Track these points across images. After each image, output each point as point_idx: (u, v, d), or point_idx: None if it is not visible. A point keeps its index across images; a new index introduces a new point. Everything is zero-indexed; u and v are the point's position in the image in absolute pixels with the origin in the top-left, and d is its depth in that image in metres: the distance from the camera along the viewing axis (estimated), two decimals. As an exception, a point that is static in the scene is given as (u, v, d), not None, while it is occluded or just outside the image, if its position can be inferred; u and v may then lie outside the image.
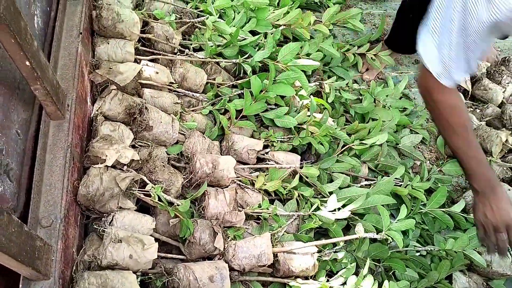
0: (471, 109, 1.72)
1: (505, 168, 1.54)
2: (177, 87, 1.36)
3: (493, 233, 1.18)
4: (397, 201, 1.39)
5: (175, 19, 1.48)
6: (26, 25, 0.81)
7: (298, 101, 1.54)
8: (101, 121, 1.13)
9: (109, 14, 1.26)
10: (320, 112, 1.56)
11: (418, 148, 1.67)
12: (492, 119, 1.66)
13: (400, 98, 1.77)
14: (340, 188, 1.35)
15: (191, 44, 1.48)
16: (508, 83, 1.76)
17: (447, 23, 0.94)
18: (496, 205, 1.17)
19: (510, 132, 1.56)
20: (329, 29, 1.85)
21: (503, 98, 1.72)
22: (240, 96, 1.43)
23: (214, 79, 1.45)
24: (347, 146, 1.47)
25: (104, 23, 1.26)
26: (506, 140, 1.56)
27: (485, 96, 1.73)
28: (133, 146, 1.16)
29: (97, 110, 1.15)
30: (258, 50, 1.54)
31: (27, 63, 0.81)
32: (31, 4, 1.06)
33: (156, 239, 1.01)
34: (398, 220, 1.22)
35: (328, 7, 1.95)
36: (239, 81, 1.43)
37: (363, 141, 1.45)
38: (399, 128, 1.66)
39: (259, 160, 1.36)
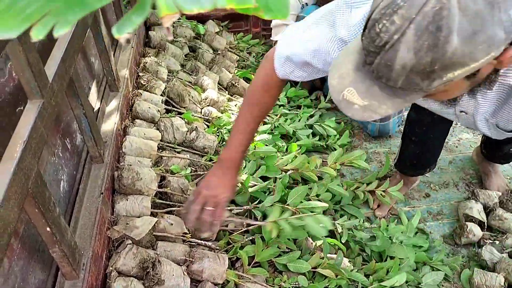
0: (490, 241, 1.67)
1: (540, 305, 1.43)
2: (191, 237, 1.41)
3: (201, 202, 1.18)
4: None
5: (190, 172, 1.60)
6: (50, 194, 0.91)
7: (311, 243, 1.55)
8: (115, 278, 1.15)
9: (130, 173, 1.38)
10: (335, 253, 1.55)
11: (442, 286, 1.58)
12: (514, 251, 1.61)
13: (416, 233, 1.75)
14: (362, 337, 1.27)
15: (204, 194, 1.57)
16: (523, 211, 1.74)
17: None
18: (222, 181, 1.21)
19: (536, 264, 1.49)
20: (337, 169, 1.95)
21: (522, 227, 1.69)
22: (253, 241, 1.46)
23: (226, 226, 1.50)
24: (366, 288, 1.42)
25: (125, 182, 1.37)
26: (534, 273, 1.48)
27: (502, 227, 1.70)
28: (144, 302, 1.16)
29: (111, 266, 1.18)
30: (268, 195, 1.61)
31: (48, 229, 0.89)
32: (58, 171, 1.19)
33: None
34: None
35: (334, 149, 2.09)
36: (250, 227, 1.47)
37: (381, 283, 1.41)
38: (419, 266, 1.61)
39: (274, 309, 1.32)
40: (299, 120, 2.22)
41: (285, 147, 2.02)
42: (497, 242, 1.67)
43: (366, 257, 1.63)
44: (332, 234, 1.65)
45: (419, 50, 0.63)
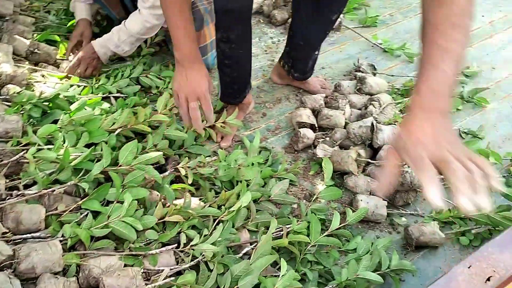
0: (322, 139, 1.81)
1: (369, 180, 1.61)
2: (13, 235, 1.22)
3: (184, 102, 1.38)
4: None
5: (-4, 164, 1.36)
6: None
7: (157, 194, 1.48)
8: None
9: None
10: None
11: (291, 191, 1.68)
12: (343, 142, 1.76)
13: (260, 152, 1.81)
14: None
15: (19, 183, 1.37)
16: (344, 105, 1.90)
17: None
18: (192, 76, 1.36)
19: (359, 147, 1.66)
20: (172, 114, 1.87)
21: (345, 119, 1.85)
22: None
23: (56, 209, 1.34)
24: (218, 219, 1.42)
25: None
26: (359, 155, 1.65)
27: (330, 124, 1.84)
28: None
29: None
30: (97, 162, 1.47)
31: None
32: None
33: None
34: (282, 276, 1.17)
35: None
36: (80, 202, 1.33)
37: (230, 209, 1.42)
38: (267, 180, 1.67)
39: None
40: (122, 74, 2.05)
41: (113, 107, 1.86)
42: (327, 138, 1.81)
43: (218, 189, 1.63)
44: (178, 179, 1.61)
45: None
